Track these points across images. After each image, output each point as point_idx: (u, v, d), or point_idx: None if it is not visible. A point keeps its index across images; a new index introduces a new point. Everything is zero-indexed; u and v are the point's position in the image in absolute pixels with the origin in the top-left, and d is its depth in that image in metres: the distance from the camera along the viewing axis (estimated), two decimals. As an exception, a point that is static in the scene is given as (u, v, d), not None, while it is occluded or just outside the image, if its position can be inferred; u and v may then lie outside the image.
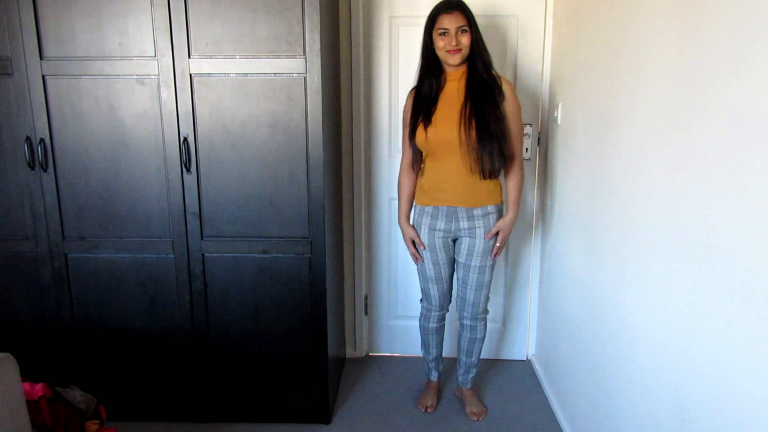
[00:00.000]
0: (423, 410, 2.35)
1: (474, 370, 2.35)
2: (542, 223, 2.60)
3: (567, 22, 2.25)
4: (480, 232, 2.10)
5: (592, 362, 1.90)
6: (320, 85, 1.91)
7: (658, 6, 1.43)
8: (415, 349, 2.74)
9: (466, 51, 1.97)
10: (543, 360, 2.59)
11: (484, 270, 2.14)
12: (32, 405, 1.46)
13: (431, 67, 2.04)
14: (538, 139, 2.55)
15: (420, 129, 2.03)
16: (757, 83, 1.03)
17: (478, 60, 2.00)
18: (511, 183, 2.13)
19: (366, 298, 2.79)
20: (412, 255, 2.21)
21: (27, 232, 2.07)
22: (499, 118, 2.00)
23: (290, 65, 1.92)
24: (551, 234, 2.46)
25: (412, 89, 2.12)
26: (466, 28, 1.95)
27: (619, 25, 1.69)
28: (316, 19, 1.87)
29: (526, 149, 2.56)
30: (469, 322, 2.23)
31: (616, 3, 1.72)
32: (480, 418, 2.28)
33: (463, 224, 2.10)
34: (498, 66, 2.49)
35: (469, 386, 2.35)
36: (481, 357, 2.80)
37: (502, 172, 2.11)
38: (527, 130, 2.54)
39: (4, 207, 2.05)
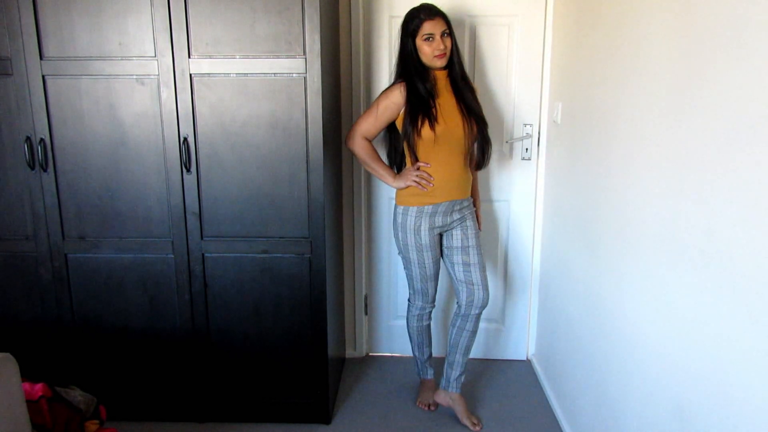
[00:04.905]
0: (425, 409, 2.35)
1: (465, 373, 2.33)
2: (542, 222, 2.60)
3: (567, 22, 2.25)
4: (468, 216, 2.22)
5: (592, 362, 1.90)
6: (320, 85, 1.92)
7: (657, 5, 1.43)
8: (415, 349, 2.74)
9: (449, 53, 2.05)
10: (543, 360, 2.59)
11: (480, 249, 2.22)
12: (32, 405, 1.46)
13: (417, 70, 2.06)
14: (538, 139, 2.55)
15: (426, 127, 2.02)
16: (754, 81, 1.03)
17: (455, 61, 2.09)
18: (475, 175, 2.30)
19: (366, 298, 2.79)
20: (425, 180, 2.08)
21: (27, 232, 2.07)
22: (480, 107, 2.16)
23: (290, 65, 1.92)
24: (551, 234, 2.46)
25: (398, 84, 2.07)
26: (448, 31, 2.03)
27: (618, 24, 1.69)
28: (316, 19, 1.87)
29: (526, 149, 2.56)
30: (477, 311, 2.21)
31: (615, 3, 1.72)
32: (481, 427, 2.26)
33: (456, 216, 2.18)
34: (498, 66, 2.50)
35: (460, 391, 2.31)
36: (482, 357, 2.81)
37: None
38: (527, 129, 2.54)
39: (4, 207, 2.05)
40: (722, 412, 1.15)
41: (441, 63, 2.04)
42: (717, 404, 1.17)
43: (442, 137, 2.05)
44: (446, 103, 2.07)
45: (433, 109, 2.03)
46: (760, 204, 1.02)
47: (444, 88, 2.09)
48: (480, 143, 2.14)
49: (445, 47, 2.02)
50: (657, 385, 1.43)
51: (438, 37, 2.00)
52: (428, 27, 1.99)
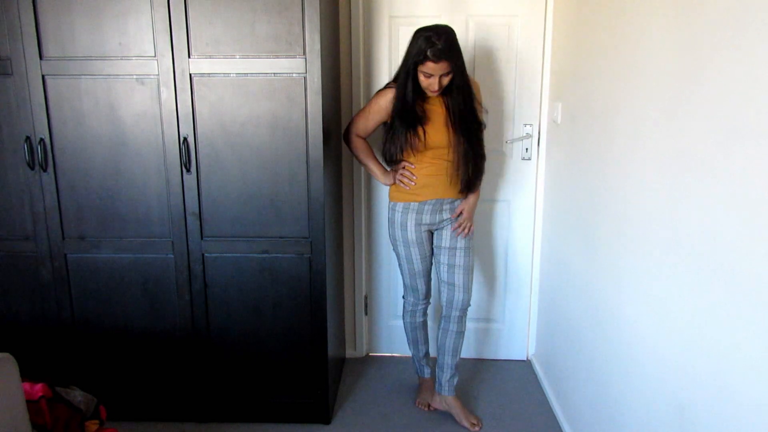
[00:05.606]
0: (424, 409, 2.35)
1: (457, 375, 2.32)
2: (542, 222, 2.60)
3: (567, 21, 2.25)
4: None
5: (592, 362, 1.90)
6: (320, 85, 1.92)
7: (656, 5, 1.43)
8: (415, 349, 2.74)
9: (444, 87, 2.00)
10: (543, 360, 2.59)
11: (469, 251, 2.21)
12: (32, 405, 1.46)
13: (408, 85, 2.02)
14: (538, 139, 2.55)
15: (413, 135, 2.04)
16: (754, 80, 1.03)
17: (455, 90, 2.02)
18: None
19: (366, 298, 2.79)
20: (407, 179, 2.13)
21: (27, 232, 2.07)
22: (479, 124, 2.11)
23: (290, 65, 1.92)
24: (551, 234, 2.46)
25: (387, 88, 2.11)
26: (449, 71, 1.96)
27: (618, 24, 1.69)
28: (316, 19, 1.87)
29: (526, 149, 2.56)
30: (458, 313, 2.23)
31: (615, 3, 1.72)
32: (481, 427, 2.26)
33: (446, 215, 2.18)
34: (498, 66, 2.50)
35: (454, 393, 2.31)
36: (481, 357, 2.81)
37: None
38: (527, 129, 2.54)
39: (4, 207, 2.05)
40: (722, 413, 1.15)
41: (433, 95, 2.03)
42: (717, 404, 1.17)
43: (430, 145, 2.06)
44: (437, 114, 2.06)
45: (424, 117, 2.04)
46: (760, 205, 1.02)
47: (436, 98, 2.06)
48: (472, 158, 2.09)
49: (441, 86, 1.97)
50: (657, 385, 1.43)
51: (437, 77, 1.95)
52: (431, 67, 1.92)
